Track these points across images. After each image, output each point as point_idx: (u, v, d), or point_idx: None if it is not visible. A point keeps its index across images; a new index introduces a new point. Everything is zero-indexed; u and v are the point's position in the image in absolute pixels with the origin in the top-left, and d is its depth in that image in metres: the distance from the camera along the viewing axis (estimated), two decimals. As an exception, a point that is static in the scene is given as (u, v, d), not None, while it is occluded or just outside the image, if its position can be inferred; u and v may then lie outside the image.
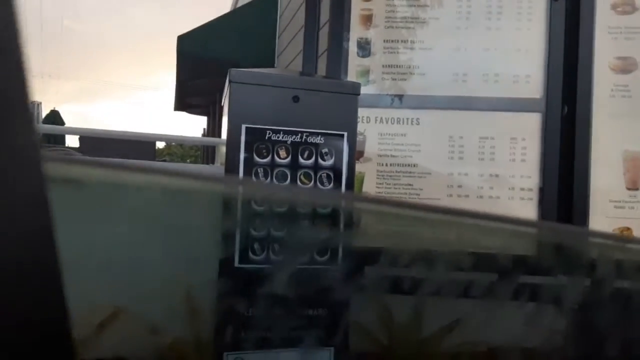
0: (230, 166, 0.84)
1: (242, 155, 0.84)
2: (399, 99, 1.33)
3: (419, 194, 1.30)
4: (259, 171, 0.85)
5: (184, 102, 5.13)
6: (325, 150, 0.89)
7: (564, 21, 1.31)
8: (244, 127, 0.85)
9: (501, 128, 1.31)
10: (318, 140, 0.88)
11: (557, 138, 1.29)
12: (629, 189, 1.28)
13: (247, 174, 0.84)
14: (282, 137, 0.87)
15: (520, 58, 1.32)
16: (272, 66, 4.13)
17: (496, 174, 1.30)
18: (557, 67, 1.30)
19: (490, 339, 1.12)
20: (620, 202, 1.28)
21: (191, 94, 4.76)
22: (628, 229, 1.27)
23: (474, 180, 1.31)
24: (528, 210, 1.29)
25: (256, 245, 0.83)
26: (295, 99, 0.88)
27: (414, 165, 1.31)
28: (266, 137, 0.86)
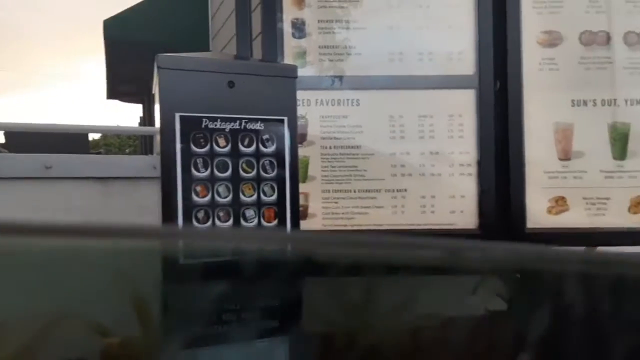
0: (167, 157, 0.80)
1: (178, 146, 0.80)
2: (338, 80, 1.32)
3: (363, 175, 1.31)
4: (197, 162, 0.82)
5: (116, 90, 4.90)
6: (266, 136, 0.86)
7: (492, -3, 1.33)
8: (177, 115, 0.81)
9: (439, 106, 1.33)
10: (258, 126, 0.86)
11: (491, 113, 1.33)
12: (561, 159, 1.34)
13: (185, 165, 0.80)
14: (220, 125, 0.83)
15: (452, 35, 1.34)
16: (207, 49, 4.01)
17: (436, 151, 1.33)
18: (487, 43, 1.33)
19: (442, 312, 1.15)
20: (553, 172, 1.34)
21: (123, 81, 4.56)
22: (562, 198, 1.33)
23: (416, 159, 1.32)
24: (468, 184, 1.33)
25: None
26: (231, 84, 0.85)
27: (358, 147, 1.31)
28: (202, 126, 0.82)
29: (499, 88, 1.34)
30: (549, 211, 1.33)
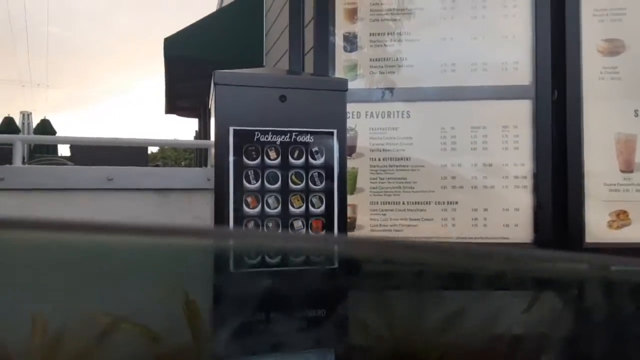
0: (220, 169, 0.83)
1: (231, 158, 0.83)
2: (389, 93, 1.32)
3: (413, 187, 1.30)
4: (249, 173, 0.84)
5: (174, 105, 5.10)
6: (315, 149, 0.88)
7: (549, 6, 1.30)
8: (231, 129, 0.84)
9: (492, 117, 1.30)
10: (307, 139, 0.87)
11: (548, 124, 1.28)
12: (622, 171, 1.28)
13: (237, 177, 0.83)
14: (271, 138, 0.86)
15: (507, 45, 1.31)
16: (261, 65, 4.11)
17: (489, 163, 1.30)
18: (544, 53, 1.29)
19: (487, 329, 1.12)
20: (615, 185, 1.27)
21: (181, 97, 4.75)
22: (624, 212, 1.26)
23: (468, 171, 1.30)
24: (523, 197, 1.29)
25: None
26: (282, 98, 0.87)
27: (407, 159, 1.30)
28: (255, 139, 0.85)
29: (557, 98, 1.29)
30: (610, 225, 1.27)
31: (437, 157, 1.30)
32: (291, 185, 0.86)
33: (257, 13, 4.13)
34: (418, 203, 1.30)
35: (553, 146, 1.28)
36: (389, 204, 1.30)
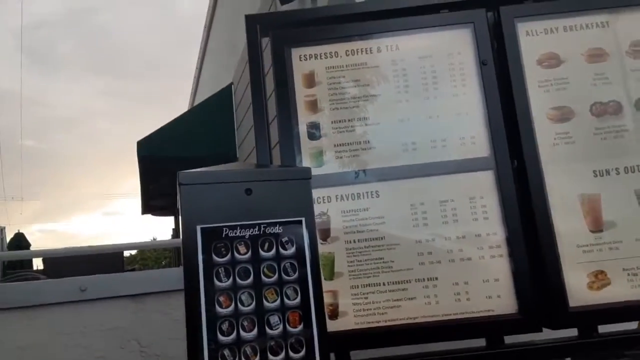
0: (189, 270, 0.81)
1: (200, 257, 0.82)
2: (355, 175, 1.35)
3: (391, 267, 1.29)
4: (220, 271, 0.83)
5: (149, 205, 5.09)
6: (285, 238, 0.87)
7: (496, 82, 1.39)
8: (198, 228, 0.83)
9: (458, 189, 1.33)
10: (276, 229, 0.87)
11: (512, 192, 1.32)
12: (592, 231, 1.30)
13: (207, 276, 0.81)
14: (240, 232, 0.85)
15: (462, 121, 1.38)
16: (235, 158, 4.19)
17: (462, 236, 1.31)
18: (498, 125, 1.36)
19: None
20: (587, 245, 1.29)
21: (155, 197, 4.75)
22: (602, 272, 1.27)
23: (443, 245, 1.30)
24: (500, 266, 1.29)
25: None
26: (248, 191, 0.88)
27: (381, 238, 1.31)
28: (223, 235, 0.84)
29: (517, 166, 1.34)
30: (590, 287, 1.26)
31: (410, 234, 1.31)
32: (264, 278, 0.84)
33: (227, 109, 4.29)
34: (398, 282, 1.28)
35: (521, 213, 1.31)
36: (369, 286, 1.28)
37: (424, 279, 1.28)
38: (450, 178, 1.34)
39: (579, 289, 1.26)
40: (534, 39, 1.41)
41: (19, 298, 1.63)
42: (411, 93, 1.40)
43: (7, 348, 1.61)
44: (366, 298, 1.27)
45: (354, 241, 1.30)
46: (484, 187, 1.33)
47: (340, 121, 1.39)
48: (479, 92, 1.39)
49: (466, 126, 1.37)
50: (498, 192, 1.32)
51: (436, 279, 1.28)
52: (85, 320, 1.68)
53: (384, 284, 1.28)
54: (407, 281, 1.28)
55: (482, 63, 1.40)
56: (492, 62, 1.39)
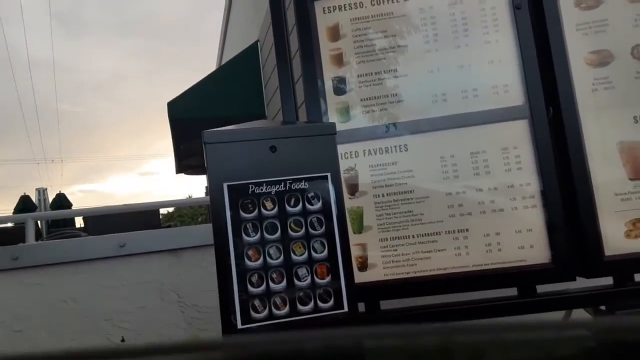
0: (218, 226, 0.83)
1: (228, 214, 0.83)
2: (384, 129, 1.33)
3: (420, 219, 1.28)
4: (247, 227, 0.84)
5: (182, 165, 5.19)
6: (311, 194, 0.88)
7: (530, 26, 1.32)
8: (225, 185, 0.84)
9: (490, 140, 1.30)
10: (302, 185, 0.87)
11: (547, 141, 1.28)
12: (631, 179, 1.25)
13: (235, 231, 0.83)
14: (266, 189, 0.86)
15: (495, 69, 1.32)
16: (264, 116, 4.19)
17: (494, 187, 1.28)
18: (533, 72, 1.30)
19: None
20: (626, 194, 1.25)
21: (188, 156, 4.83)
22: None
23: (474, 197, 1.29)
24: (534, 217, 1.26)
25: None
26: (273, 148, 0.88)
27: (411, 191, 1.30)
28: (249, 192, 0.85)
29: (553, 114, 1.29)
30: (628, 235, 1.23)
31: (440, 186, 1.29)
32: (291, 233, 0.85)
33: (254, 68, 4.26)
34: (428, 235, 1.28)
35: (556, 162, 1.27)
36: (398, 238, 1.28)
37: (454, 231, 1.27)
38: (481, 128, 1.30)
39: (615, 238, 1.23)
40: None
41: (62, 254, 1.72)
42: (440, 42, 1.35)
43: (53, 301, 1.71)
44: (395, 250, 1.28)
45: (383, 195, 1.30)
46: (517, 136, 1.29)
47: (366, 74, 1.35)
48: (512, 38, 1.32)
49: (499, 74, 1.32)
50: (532, 142, 1.28)
51: (467, 230, 1.27)
52: (125, 274, 1.76)
53: (413, 237, 1.28)
54: (436, 233, 1.28)
55: (515, 7, 1.32)
56: (526, 6, 1.32)
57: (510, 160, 1.29)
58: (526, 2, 1.32)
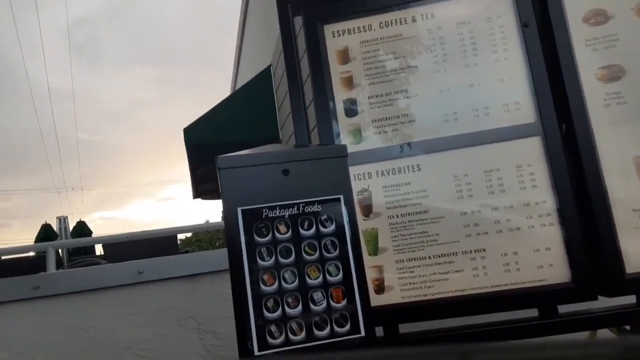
0: (233, 251, 0.84)
1: (242, 239, 0.84)
2: (396, 150, 1.33)
3: (436, 240, 1.28)
4: (262, 251, 0.85)
5: (199, 190, 5.24)
6: (324, 217, 0.88)
7: (539, 44, 1.32)
8: (239, 210, 0.85)
9: (504, 158, 1.29)
10: (315, 208, 0.88)
11: (562, 158, 1.27)
12: (649, 194, 1.23)
13: (250, 256, 0.84)
14: (279, 213, 0.87)
15: (505, 87, 1.33)
16: (277, 139, 4.23)
17: (510, 205, 1.27)
18: (544, 89, 1.30)
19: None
20: (644, 209, 1.23)
21: (204, 181, 4.88)
22: (659, 236, 1.21)
23: (490, 215, 1.28)
24: (552, 235, 1.25)
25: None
26: (285, 172, 0.89)
27: (425, 212, 1.29)
28: (263, 216, 0.86)
29: (566, 131, 1.28)
30: (649, 252, 1.21)
31: (455, 206, 1.29)
32: (305, 256, 0.86)
33: (267, 92, 4.31)
34: (444, 255, 1.27)
35: (572, 179, 1.26)
36: (415, 260, 1.27)
37: (471, 251, 1.26)
38: (494, 147, 1.30)
39: (636, 255, 1.21)
40: None
41: (82, 283, 1.74)
42: (450, 62, 1.36)
43: (73, 330, 1.72)
44: (412, 272, 1.27)
45: (397, 216, 1.30)
46: (531, 154, 1.29)
47: (377, 96, 1.37)
48: (521, 56, 1.33)
49: (509, 92, 1.32)
50: (546, 159, 1.27)
51: (484, 250, 1.26)
52: (144, 301, 1.77)
53: (429, 257, 1.27)
54: (453, 254, 1.26)
55: (523, 25, 1.33)
56: (534, 24, 1.33)
57: (524, 178, 1.28)
58: (534, 19, 1.33)
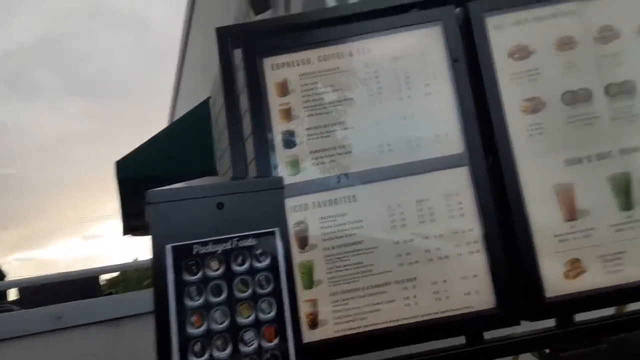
0: (159, 291, 0.80)
1: (170, 277, 0.80)
2: (331, 181, 1.34)
3: (370, 270, 1.28)
4: (190, 290, 0.81)
5: (130, 226, 5.02)
6: (259, 251, 0.86)
7: (467, 78, 1.39)
8: (168, 247, 0.82)
9: (434, 188, 1.33)
10: (250, 242, 0.86)
11: (487, 187, 1.33)
12: (567, 220, 1.31)
13: (178, 296, 0.80)
14: (212, 248, 0.84)
15: (436, 119, 1.38)
16: (215, 172, 4.14)
17: (440, 234, 1.31)
18: (471, 121, 1.36)
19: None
20: (563, 235, 1.30)
21: (135, 217, 4.69)
22: (577, 259, 1.29)
23: (421, 244, 1.30)
24: (478, 262, 1.29)
25: None
26: (220, 205, 0.87)
27: (360, 242, 1.30)
28: (194, 252, 0.83)
29: (492, 161, 1.35)
30: (566, 276, 1.28)
31: (388, 235, 1.31)
32: (237, 294, 0.83)
33: (205, 124, 4.24)
34: (378, 286, 1.28)
35: (497, 207, 1.31)
36: (349, 291, 1.27)
37: (403, 280, 1.28)
38: (425, 177, 1.34)
39: (555, 279, 1.27)
40: (504, 32, 1.41)
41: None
42: (385, 95, 1.40)
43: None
44: (346, 304, 1.26)
45: (333, 247, 1.30)
46: (459, 183, 1.33)
47: (315, 127, 1.38)
48: (451, 90, 1.39)
49: (440, 124, 1.38)
50: (473, 188, 1.33)
51: (415, 279, 1.28)
52: (62, 350, 1.64)
53: (363, 289, 1.27)
54: (386, 284, 1.28)
55: (453, 60, 1.40)
56: (463, 59, 1.40)
57: (453, 206, 1.33)
58: (462, 55, 1.40)
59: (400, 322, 1.25)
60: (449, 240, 1.30)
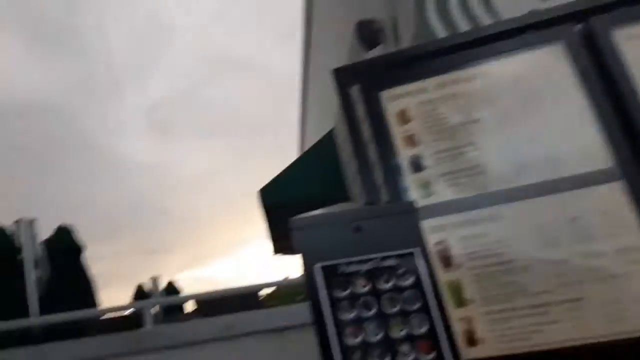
0: (315, 304, 0.87)
1: (322, 293, 0.88)
2: (471, 201, 1.32)
3: (526, 289, 1.22)
4: (343, 305, 0.88)
5: (278, 246, 5.35)
6: (401, 270, 0.90)
7: (601, 92, 1.31)
8: (317, 267, 0.90)
9: (587, 205, 1.25)
10: (391, 262, 0.91)
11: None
12: None
13: (332, 310, 0.87)
14: (355, 268, 0.90)
15: (573, 135, 1.31)
16: (347, 197, 4.27)
17: (603, 252, 1.21)
18: (615, 134, 1.28)
19: None
20: None
21: (282, 238, 4.99)
22: None
23: (583, 263, 1.21)
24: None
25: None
26: (357, 229, 0.93)
27: (510, 262, 1.25)
28: (339, 272, 0.90)
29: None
30: None
31: (542, 254, 1.24)
32: (387, 310, 0.87)
33: (333, 151, 4.41)
34: (536, 306, 1.21)
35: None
36: (506, 311, 1.22)
37: (566, 301, 1.19)
38: (575, 194, 1.26)
39: None
40: (634, 42, 1.33)
41: (176, 338, 1.82)
42: (511, 114, 1.37)
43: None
44: (505, 323, 1.21)
45: (480, 266, 1.26)
46: (615, 199, 1.23)
47: (442, 151, 1.38)
48: (585, 105, 1.32)
49: (579, 139, 1.30)
50: (633, 203, 1.22)
51: (581, 299, 1.19)
52: (233, 356, 1.81)
53: (521, 308, 1.21)
54: (546, 304, 1.20)
55: (582, 75, 1.34)
56: (592, 73, 1.33)
57: (613, 223, 1.22)
58: (590, 69, 1.33)
59: (568, 344, 1.16)
60: (615, 259, 1.19)
